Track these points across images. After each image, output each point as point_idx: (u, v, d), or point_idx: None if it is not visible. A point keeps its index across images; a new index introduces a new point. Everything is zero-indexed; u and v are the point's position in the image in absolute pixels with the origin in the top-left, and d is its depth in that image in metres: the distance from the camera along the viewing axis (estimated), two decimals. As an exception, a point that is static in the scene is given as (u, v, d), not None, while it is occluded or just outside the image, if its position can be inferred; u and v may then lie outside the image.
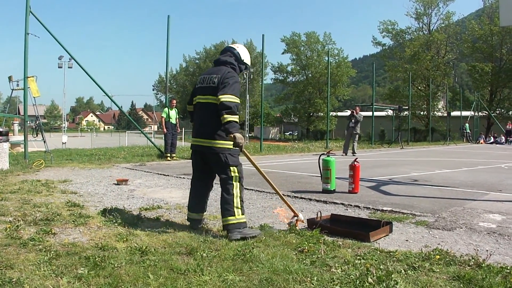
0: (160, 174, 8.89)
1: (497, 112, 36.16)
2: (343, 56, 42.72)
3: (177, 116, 13.10)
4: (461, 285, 2.61)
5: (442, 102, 39.63)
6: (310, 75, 43.21)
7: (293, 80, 45.60)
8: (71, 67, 34.84)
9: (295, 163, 12.08)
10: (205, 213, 4.27)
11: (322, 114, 41.24)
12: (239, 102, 3.75)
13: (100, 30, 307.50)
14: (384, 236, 3.90)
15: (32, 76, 10.75)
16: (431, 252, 3.26)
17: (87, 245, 3.40)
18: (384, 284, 2.55)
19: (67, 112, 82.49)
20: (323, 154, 6.51)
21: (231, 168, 3.81)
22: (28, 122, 12.30)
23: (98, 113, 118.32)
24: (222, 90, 3.71)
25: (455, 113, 35.20)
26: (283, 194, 4.37)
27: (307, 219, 4.24)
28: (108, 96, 14.78)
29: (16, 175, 8.16)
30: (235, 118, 3.66)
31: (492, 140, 30.14)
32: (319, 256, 3.15)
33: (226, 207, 3.76)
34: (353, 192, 6.41)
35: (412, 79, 30.70)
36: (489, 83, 36.20)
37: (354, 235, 3.77)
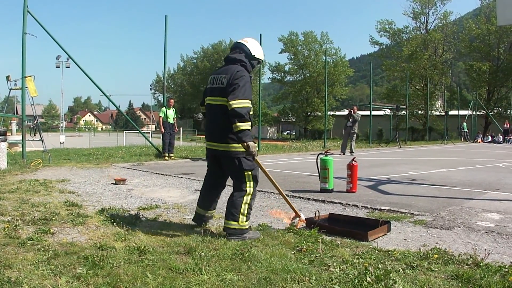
0: (158, 173, 8.88)
1: (495, 111, 36.23)
2: (341, 56, 42.71)
3: (175, 116, 13.10)
4: (460, 284, 2.62)
5: (439, 101, 39.65)
6: (307, 74, 43.16)
7: (291, 79, 45.53)
8: (69, 67, 34.95)
9: (293, 163, 12.09)
10: (213, 212, 4.17)
11: (319, 113, 41.23)
12: (251, 105, 3.55)
13: (97, 29, 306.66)
14: (382, 235, 3.91)
15: (30, 76, 10.72)
16: (430, 251, 3.27)
17: (86, 244, 3.40)
18: (382, 283, 2.55)
19: (65, 111, 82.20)
20: (321, 153, 6.51)
21: (245, 173, 3.68)
22: (26, 121, 12.25)
23: (96, 112, 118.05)
24: (233, 93, 3.50)
25: (452, 112, 35.20)
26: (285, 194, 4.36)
27: (305, 219, 4.25)
28: (106, 96, 14.75)
29: (14, 174, 8.14)
30: (247, 126, 3.49)
31: (489, 139, 30.23)
32: (317, 255, 3.15)
33: (232, 211, 3.66)
34: (351, 191, 6.42)
35: (409, 78, 30.69)
36: (487, 82, 36.27)
37: (352, 234, 3.78)
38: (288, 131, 58.91)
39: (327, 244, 3.45)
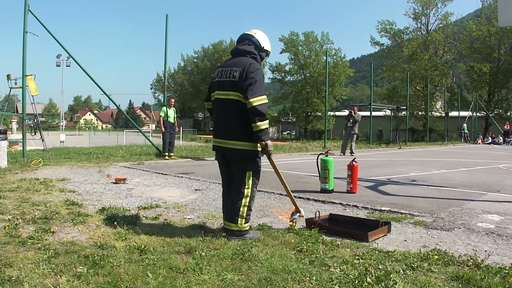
0: (158, 173, 8.88)
1: (495, 112, 36.22)
2: (341, 56, 42.68)
3: (175, 115, 13.10)
4: (460, 285, 2.62)
5: (440, 102, 39.65)
6: (308, 74, 43.16)
7: (291, 79, 45.52)
8: (69, 66, 34.97)
9: (293, 163, 12.09)
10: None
11: (320, 113, 41.22)
12: (267, 100, 3.49)
13: (98, 28, 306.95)
14: (383, 236, 3.91)
15: (31, 75, 10.74)
16: (430, 252, 3.26)
17: (86, 243, 3.40)
18: (382, 284, 2.55)
19: (65, 110, 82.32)
20: (321, 153, 6.51)
21: (247, 173, 3.59)
22: (26, 120, 12.27)
23: (96, 111, 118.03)
24: (251, 89, 3.38)
25: (453, 113, 35.23)
26: (285, 193, 4.33)
27: (306, 219, 4.25)
28: (106, 95, 14.75)
29: (14, 173, 8.14)
30: (267, 124, 3.45)
31: (490, 140, 30.22)
32: (317, 255, 3.15)
33: (231, 212, 3.61)
34: (351, 192, 6.42)
35: (410, 79, 30.72)
36: (487, 84, 36.25)
37: (352, 235, 3.78)
38: (288, 131, 58.90)
39: (328, 245, 3.45)
